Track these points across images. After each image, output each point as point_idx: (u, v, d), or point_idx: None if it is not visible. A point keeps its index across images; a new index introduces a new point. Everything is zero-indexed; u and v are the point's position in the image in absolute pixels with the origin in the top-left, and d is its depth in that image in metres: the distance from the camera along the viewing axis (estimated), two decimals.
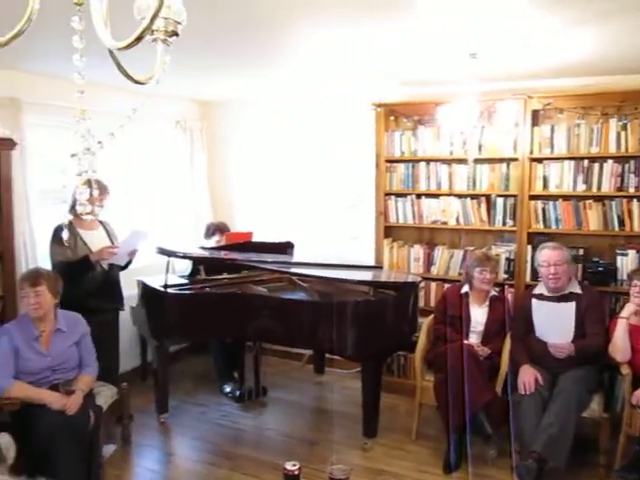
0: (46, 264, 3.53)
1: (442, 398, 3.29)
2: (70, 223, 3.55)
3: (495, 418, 3.25)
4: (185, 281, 4.14)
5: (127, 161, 4.62)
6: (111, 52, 0.86)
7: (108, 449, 3.44)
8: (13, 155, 3.42)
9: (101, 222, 3.76)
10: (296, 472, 2.22)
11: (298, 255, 4.40)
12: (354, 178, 4.66)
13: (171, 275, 3.91)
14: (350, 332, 3.43)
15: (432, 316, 3.84)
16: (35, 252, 3.71)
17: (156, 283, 3.82)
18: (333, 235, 4.76)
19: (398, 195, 4.37)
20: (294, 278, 4.18)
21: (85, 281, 3.53)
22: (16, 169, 3.51)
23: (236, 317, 3.61)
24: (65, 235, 3.37)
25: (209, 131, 5.31)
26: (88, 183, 0.87)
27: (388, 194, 4.39)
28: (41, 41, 2.24)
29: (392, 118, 4.36)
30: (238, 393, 4.24)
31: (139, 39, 0.74)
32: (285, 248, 4.42)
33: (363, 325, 3.43)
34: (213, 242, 4.62)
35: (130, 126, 4.41)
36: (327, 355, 4.65)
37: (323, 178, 4.84)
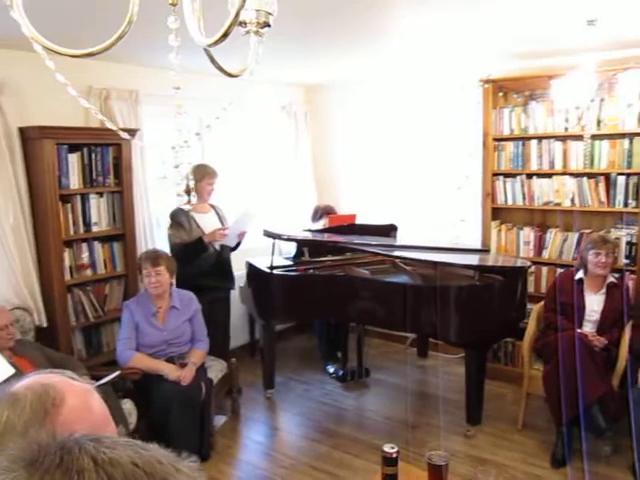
0: (162, 245, 3.79)
1: (552, 389, 3.13)
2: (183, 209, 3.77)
3: (610, 412, 3.04)
4: (290, 263, 4.26)
5: (235, 146, 4.80)
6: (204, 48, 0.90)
7: (219, 420, 3.66)
8: (133, 144, 3.68)
9: (212, 206, 3.97)
10: (394, 455, 2.23)
11: (402, 238, 4.36)
12: (461, 158, 4.50)
13: (277, 257, 4.03)
14: (454, 317, 3.36)
15: (542, 303, 3.64)
16: (153, 234, 3.99)
17: (263, 264, 3.97)
18: (438, 217, 4.65)
19: (507, 175, 4.17)
20: (397, 261, 4.15)
21: (199, 261, 3.75)
22: (135, 157, 3.77)
23: (339, 299, 3.66)
24: (173, 220, 3.61)
25: (313, 114, 5.37)
26: (185, 175, 0.91)
27: (496, 174, 4.20)
28: (150, 37, 2.37)
29: (501, 94, 4.15)
30: (341, 373, 4.31)
31: (226, 35, 0.76)
32: (389, 231, 4.39)
33: (467, 310, 3.34)
34: (320, 225, 4.67)
35: (238, 112, 4.60)
36: (431, 339, 4.58)
37: (428, 159, 4.73)
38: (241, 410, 3.86)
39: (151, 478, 0.63)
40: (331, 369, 4.42)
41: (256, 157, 5.02)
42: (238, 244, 3.99)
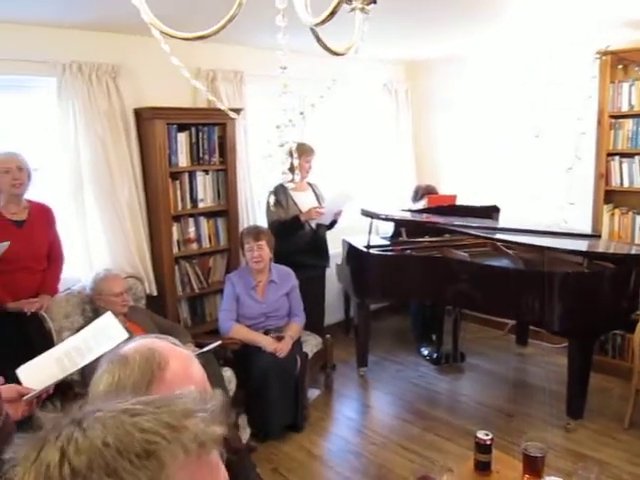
0: (262, 221, 3.92)
1: None
2: (282, 186, 3.85)
3: None
4: (387, 242, 4.24)
5: (335, 124, 4.81)
6: (311, 27, 0.90)
7: (313, 393, 3.77)
8: (237, 123, 3.80)
9: (310, 184, 4.03)
10: (488, 442, 2.18)
11: (504, 220, 4.19)
12: (572, 137, 4.22)
13: (374, 236, 4.03)
14: (558, 305, 3.19)
15: None
16: (255, 210, 4.12)
17: (360, 243, 3.98)
18: (544, 200, 4.41)
19: (624, 155, 3.87)
20: (498, 244, 4.00)
21: (295, 239, 3.83)
22: (239, 136, 3.90)
23: (435, 281, 3.61)
24: (271, 200, 3.71)
25: (414, 92, 5.25)
26: (289, 153, 0.93)
27: (611, 154, 3.91)
28: (256, 17, 2.42)
29: (620, 67, 3.83)
30: (435, 356, 4.26)
31: (333, 13, 0.76)
32: (490, 212, 4.23)
33: (573, 299, 3.17)
34: (420, 205, 4.58)
35: (338, 91, 4.58)
36: (531, 327, 4.40)
37: (534, 138, 4.48)
38: (334, 385, 3.94)
39: (121, 456, 0.58)
40: (425, 351, 4.38)
41: (355, 135, 5.01)
42: (334, 222, 4.03)
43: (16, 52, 2.99)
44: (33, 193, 3.01)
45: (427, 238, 4.28)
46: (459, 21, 3.40)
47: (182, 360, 1.08)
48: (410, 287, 3.78)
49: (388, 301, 5.01)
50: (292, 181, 1.04)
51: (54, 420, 0.63)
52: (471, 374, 4.15)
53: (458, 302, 3.84)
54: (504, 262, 3.76)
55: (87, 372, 2.75)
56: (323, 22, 0.77)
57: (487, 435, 2.20)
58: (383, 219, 4.11)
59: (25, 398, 1.54)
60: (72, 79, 3.16)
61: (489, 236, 3.92)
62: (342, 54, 1.02)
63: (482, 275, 3.50)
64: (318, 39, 0.96)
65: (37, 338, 2.89)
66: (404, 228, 4.32)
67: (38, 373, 1.69)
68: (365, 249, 3.89)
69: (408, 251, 4.06)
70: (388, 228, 4.49)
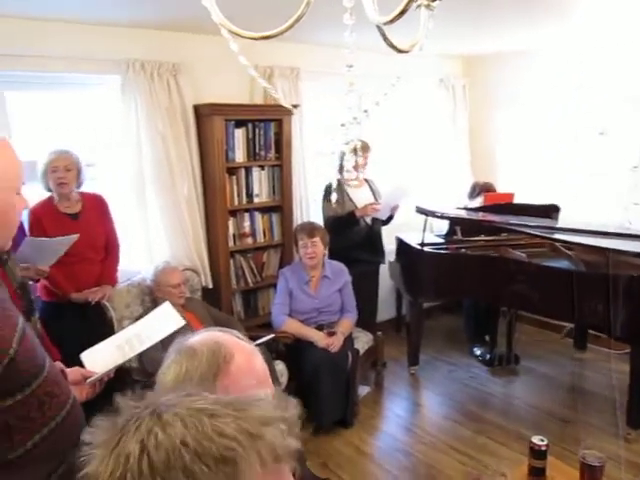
0: (316, 217, 3.94)
1: None
2: (338, 182, 3.88)
3: None
4: (441, 240, 4.18)
5: (391, 120, 4.78)
6: (377, 25, 0.90)
7: (363, 389, 3.77)
8: (293, 119, 3.83)
9: (366, 180, 4.02)
10: (544, 448, 2.12)
11: (564, 220, 4.06)
12: (637, 135, 4.04)
13: (428, 234, 3.98)
14: (622, 310, 3.07)
15: None
16: (309, 206, 4.14)
17: (413, 240, 3.94)
18: (607, 200, 4.24)
19: None
20: (557, 244, 3.88)
21: (350, 234, 3.84)
22: (295, 131, 3.93)
23: (491, 281, 3.54)
24: (333, 198, 3.72)
25: (472, 87, 5.15)
26: (354, 151, 0.93)
27: None
28: (318, 15, 2.42)
29: None
30: (488, 357, 4.18)
31: (403, 12, 0.75)
32: (550, 212, 4.10)
33: (638, 303, 3.04)
34: (477, 203, 4.46)
35: (395, 86, 4.49)
36: (591, 331, 4.25)
37: (598, 135, 4.31)
38: (384, 383, 3.93)
39: (199, 459, 0.58)
40: (478, 352, 4.30)
41: (412, 131, 4.96)
42: (390, 218, 4.00)
43: (83, 51, 3.11)
44: (95, 188, 3.13)
45: (483, 237, 4.19)
46: (524, 16, 3.29)
47: (246, 354, 1.10)
48: (464, 287, 3.72)
49: (441, 300, 4.94)
50: (357, 179, 1.04)
51: (132, 408, 0.65)
52: (525, 377, 4.05)
53: (514, 303, 3.74)
54: (563, 264, 3.64)
55: (145, 359, 2.87)
56: (392, 21, 0.77)
57: (542, 440, 2.14)
58: (438, 217, 4.04)
59: (88, 381, 1.61)
60: (135, 77, 3.26)
61: (548, 236, 3.80)
62: (407, 51, 1.01)
63: (541, 276, 3.40)
64: (384, 37, 0.95)
65: (99, 326, 3.01)
66: (459, 226, 4.25)
67: (100, 358, 1.77)
68: (419, 247, 3.85)
69: (463, 250, 3.99)
70: (443, 226, 4.42)
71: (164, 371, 1.06)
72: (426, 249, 3.86)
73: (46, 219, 2.87)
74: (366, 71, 3.70)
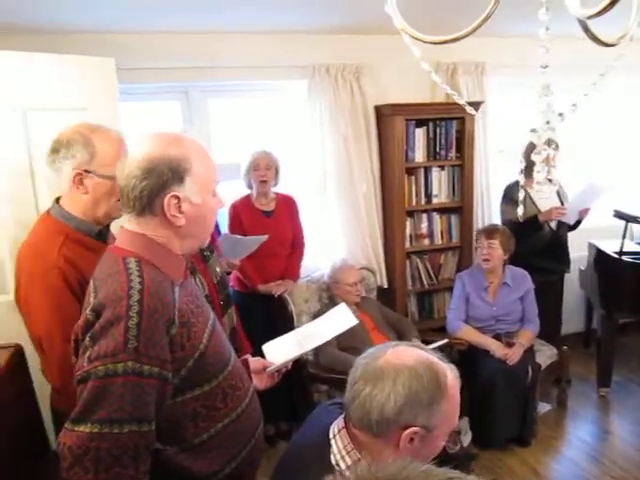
0: (499, 219, 3.72)
1: None
2: (517, 183, 3.62)
3: None
4: None
5: (586, 115, 4.32)
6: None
7: (543, 407, 3.49)
8: (476, 116, 3.67)
9: (550, 180, 3.69)
10: None
11: None
12: None
13: (628, 241, 3.55)
14: None
15: None
16: (490, 207, 3.94)
17: (610, 248, 3.55)
18: None
19: None
20: None
21: (532, 240, 3.56)
22: (478, 128, 3.76)
23: None
24: (520, 211, 3.45)
25: None
26: (546, 160, 0.85)
27: None
28: (506, 9, 2.28)
29: None
30: None
31: (613, 3, 0.66)
32: None
33: None
34: None
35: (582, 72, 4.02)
36: None
37: None
38: (568, 403, 3.59)
39: None
40: None
41: (605, 122, 4.42)
42: (578, 222, 3.63)
43: (273, 59, 3.33)
44: (284, 187, 3.33)
45: None
46: None
47: (455, 379, 1.11)
48: None
49: None
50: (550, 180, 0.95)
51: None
52: None
53: None
54: None
55: (320, 353, 2.98)
56: (599, 14, 0.67)
57: None
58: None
59: (268, 370, 1.71)
60: (320, 80, 3.39)
61: None
62: (613, 45, 0.89)
63: None
64: (586, 29, 0.85)
65: (280, 317, 3.21)
66: None
67: (279, 350, 1.86)
68: (616, 255, 3.45)
69: None
70: None
71: (380, 386, 1.08)
72: (625, 258, 3.44)
73: (244, 214, 3.16)
74: (561, 62, 3.42)
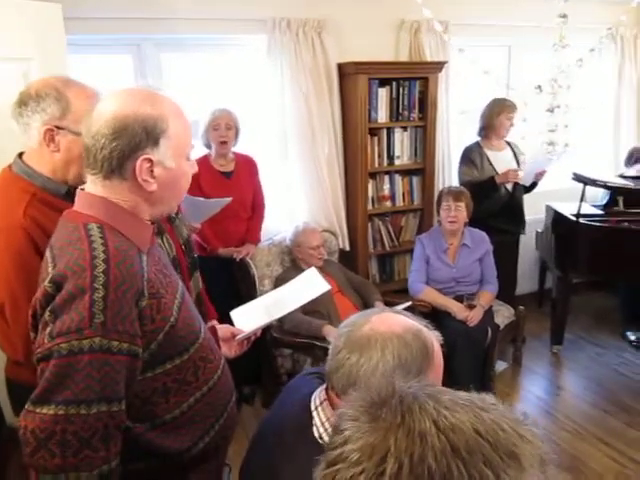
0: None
1: None
2: (477, 145, 3.63)
3: None
4: (600, 212, 3.79)
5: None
6: None
7: (500, 365, 3.59)
8: (439, 78, 3.61)
9: (508, 143, 3.72)
10: None
11: None
12: None
13: (584, 204, 3.61)
14: None
15: None
16: (451, 169, 3.93)
17: (567, 210, 3.61)
18: None
19: None
20: None
21: (489, 202, 3.57)
22: (440, 89, 3.70)
23: None
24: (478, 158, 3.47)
25: None
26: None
27: None
28: None
29: None
30: None
31: None
32: None
33: None
34: (634, 171, 4.01)
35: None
36: None
37: None
38: (523, 360, 3.71)
39: (495, 450, 0.59)
40: (632, 336, 3.90)
41: (565, 87, 4.45)
42: (534, 185, 3.68)
43: (230, 12, 3.15)
44: (242, 147, 3.20)
45: None
46: None
47: (438, 342, 1.09)
48: (626, 265, 3.35)
49: (596, 278, 4.52)
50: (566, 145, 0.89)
51: (385, 389, 0.65)
52: None
53: None
54: None
55: (284, 318, 2.94)
56: None
57: None
58: (601, 186, 3.65)
59: (237, 338, 1.65)
60: (281, 36, 3.24)
61: None
62: None
63: None
64: None
65: (242, 281, 3.14)
66: (622, 197, 3.80)
67: (249, 317, 1.81)
68: (574, 218, 3.52)
69: (626, 223, 3.58)
70: (602, 196, 4.00)
71: (368, 355, 1.03)
72: (582, 221, 3.51)
73: (202, 176, 2.98)
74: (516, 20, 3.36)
